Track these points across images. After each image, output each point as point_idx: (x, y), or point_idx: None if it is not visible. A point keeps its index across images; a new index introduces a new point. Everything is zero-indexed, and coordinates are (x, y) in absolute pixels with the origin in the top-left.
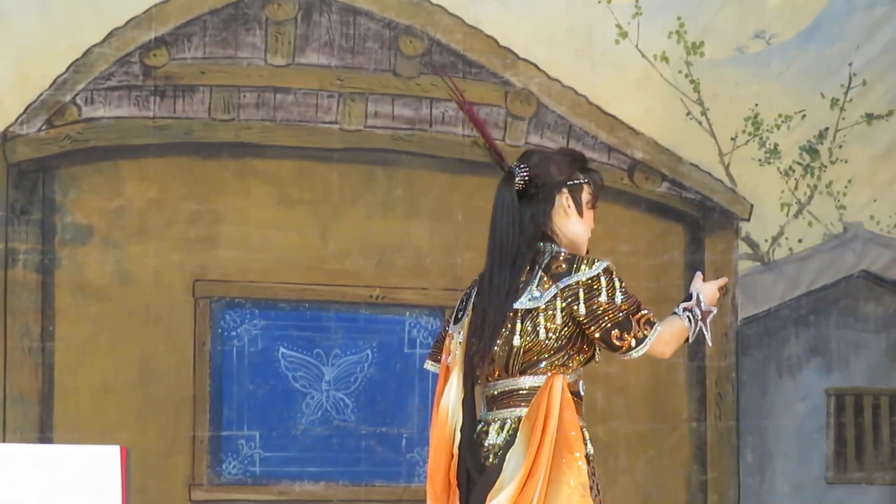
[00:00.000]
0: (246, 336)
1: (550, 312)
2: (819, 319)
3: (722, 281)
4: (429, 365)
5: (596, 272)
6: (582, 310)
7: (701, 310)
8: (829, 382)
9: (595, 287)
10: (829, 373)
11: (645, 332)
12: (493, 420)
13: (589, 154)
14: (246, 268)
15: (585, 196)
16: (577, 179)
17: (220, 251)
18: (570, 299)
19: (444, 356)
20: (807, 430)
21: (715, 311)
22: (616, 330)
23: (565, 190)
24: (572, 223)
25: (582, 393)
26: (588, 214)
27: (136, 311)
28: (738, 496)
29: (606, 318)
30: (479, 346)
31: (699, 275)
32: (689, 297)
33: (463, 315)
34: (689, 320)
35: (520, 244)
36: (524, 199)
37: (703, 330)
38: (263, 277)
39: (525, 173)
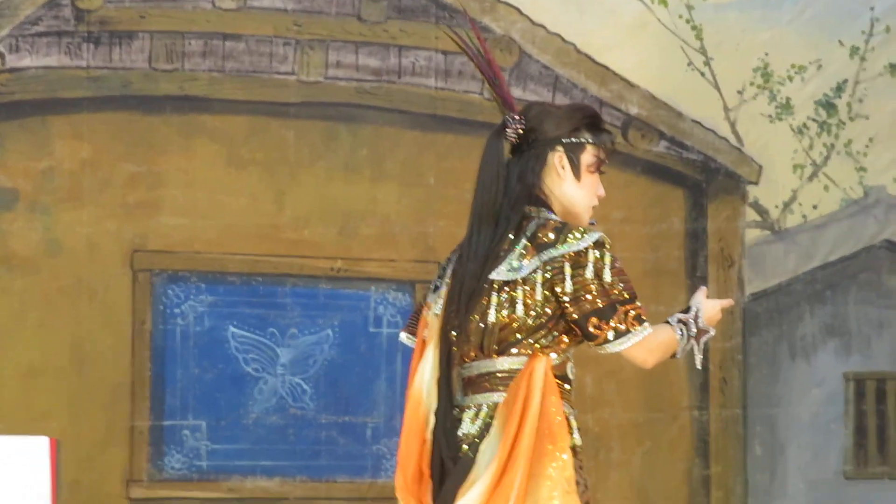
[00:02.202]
0: (191, 314)
1: (530, 287)
2: (836, 295)
3: (727, 302)
4: (404, 337)
5: (585, 245)
6: (568, 286)
7: (697, 327)
8: (847, 366)
9: (582, 261)
10: (847, 355)
11: (630, 327)
12: (469, 406)
13: None
14: (191, 237)
15: (587, 158)
16: (577, 138)
17: (161, 218)
18: (553, 274)
19: (421, 329)
20: (823, 419)
21: (712, 333)
22: (595, 317)
23: (560, 148)
24: (567, 186)
25: (570, 376)
26: (589, 178)
27: (68, 286)
28: (745, 493)
29: (588, 300)
30: (455, 320)
31: (703, 289)
32: (686, 310)
33: (442, 283)
34: (682, 334)
35: (503, 205)
36: (517, 155)
37: (694, 349)
38: (211, 248)
39: (519, 126)
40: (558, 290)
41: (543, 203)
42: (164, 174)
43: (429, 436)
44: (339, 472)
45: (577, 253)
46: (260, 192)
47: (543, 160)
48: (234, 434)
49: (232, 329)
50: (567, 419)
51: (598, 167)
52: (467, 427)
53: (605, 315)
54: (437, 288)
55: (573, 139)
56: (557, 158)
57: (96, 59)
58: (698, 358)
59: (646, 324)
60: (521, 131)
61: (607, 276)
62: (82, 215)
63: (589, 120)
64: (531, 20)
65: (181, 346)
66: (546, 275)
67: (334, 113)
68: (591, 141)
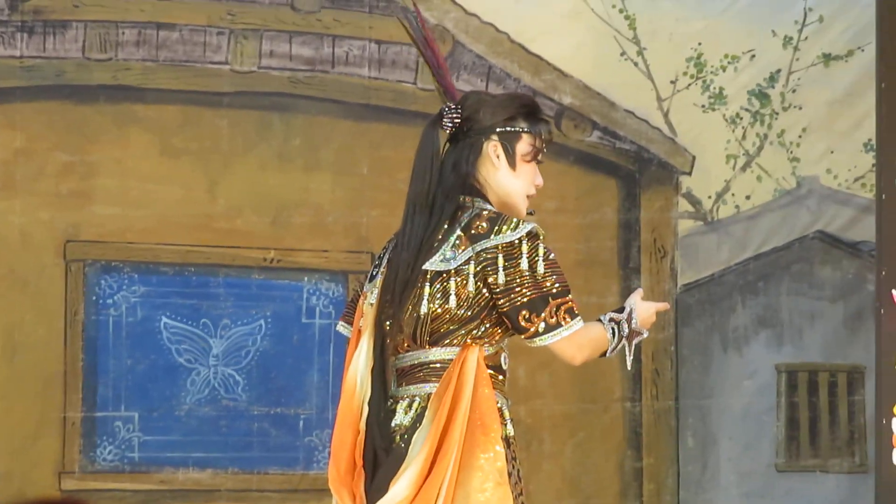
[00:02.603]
0: (123, 304)
1: (462, 277)
2: (769, 286)
3: (662, 306)
4: (341, 327)
5: (517, 236)
6: (501, 278)
7: (630, 327)
8: (779, 357)
9: (515, 254)
10: (779, 346)
11: (561, 320)
12: (402, 397)
13: None
14: (124, 227)
15: (523, 147)
16: (512, 127)
17: (94, 208)
18: (485, 265)
19: (357, 318)
20: (755, 410)
21: (645, 335)
22: (525, 310)
23: (494, 137)
24: (502, 176)
25: (504, 367)
26: (525, 168)
27: (0, 276)
28: (676, 484)
29: (519, 292)
30: (389, 310)
31: (639, 291)
32: (620, 310)
33: (378, 273)
34: (613, 333)
35: (437, 194)
36: (453, 144)
37: (626, 350)
38: (144, 238)
39: (455, 115)
40: (490, 281)
41: (479, 193)
42: (98, 164)
43: (362, 426)
44: (271, 464)
45: (510, 244)
46: (193, 181)
47: (478, 149)
48: (167, 425)
49: (164, 320)
50: (500, 410)
51: (535, 156)
52: (400, 418)
53: (535, 307)
54: (372, 277)
55: (508, 128)
56: (492, 147)
57: (30, 49)
58: (629, 359)
59: (578, 318)
60: (457, 120)
61: (540, 269)
62: (15, 205)
63: (526, 109)
64: (465, 9)
65: (114, 337)
66: (478, 266)
67: (268, 102)
68: (526, 130)
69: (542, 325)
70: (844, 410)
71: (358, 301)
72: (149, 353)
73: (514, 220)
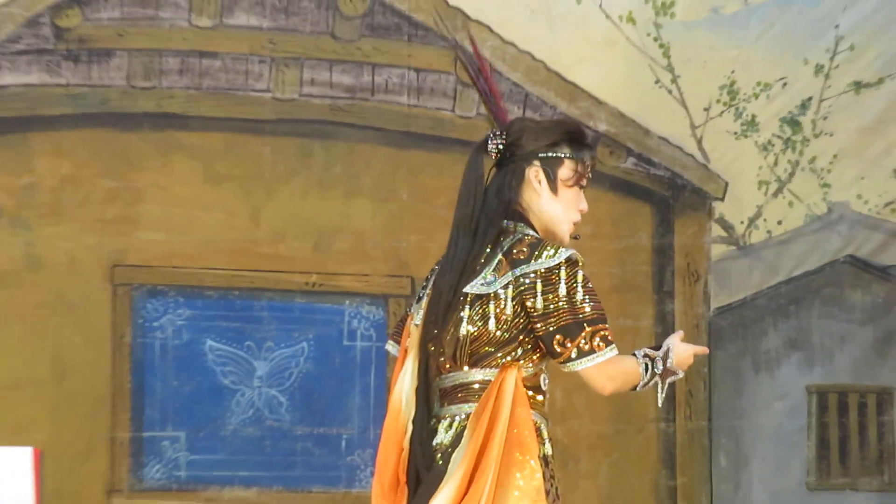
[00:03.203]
0: (170, 327)
1: (501, 301)
2: (800, 310)
3: (701, 349)
4: (389, 346)
5: (557, 262)
6: (539, 303)
7: (665, 366)
8: (810, 379)
9: (553, 280)
10: (810, 368)
11: (595, 347)
12: (444, 416)
13: None
14: (169, 252)
15: (565, 172)
16: (554, 152)
17: (140, 233)
18: (524, 289)
19: (404, 339)
20: (786, 431)
21: (680, 375)
22: (560, 335)
23: (536, 162)
24: (544, 201)
25: (544, 388)
26: (567, 193)
27: (49, 300)
28: (710, 503)
29: (556, 317)
30: (432, 332)
31: (680, 333)
32: (656, 348)
33: (424, 294)
34: (646, 369)
35: (481, 219)
36: (499, 170)
37: (658, 388)
38: (188, 262)
39: (499, 140)
40: (528, 305)
41: (522, 218)
42: (142, 190)
43: (406, 444)
44: (314, 483)
45: (549, 270)
46: (236, 207)
47: (521, 175)
48: (212, 445)
49: (209, 342)
50: (538, 429)
51: (578, 182)
52: (441, 437)
53: (570, 333)
54: (419, 299)
55: (550, 153)
56: (534, 173)
57: (76, 77)
58: (660, 397)
59: (612, 346)
60: (501, 146)
61: (578, 295)
62: (63, 230)
63: (569, 135)
64: (502, 38)
65: (160, 359)
66: (517, 290)
67: (309, 130)
68: (569, 155)
69: (575, 351)
70: (874, 431)
71: (406, 321)
72: (194, 375)
73: (555, 246)
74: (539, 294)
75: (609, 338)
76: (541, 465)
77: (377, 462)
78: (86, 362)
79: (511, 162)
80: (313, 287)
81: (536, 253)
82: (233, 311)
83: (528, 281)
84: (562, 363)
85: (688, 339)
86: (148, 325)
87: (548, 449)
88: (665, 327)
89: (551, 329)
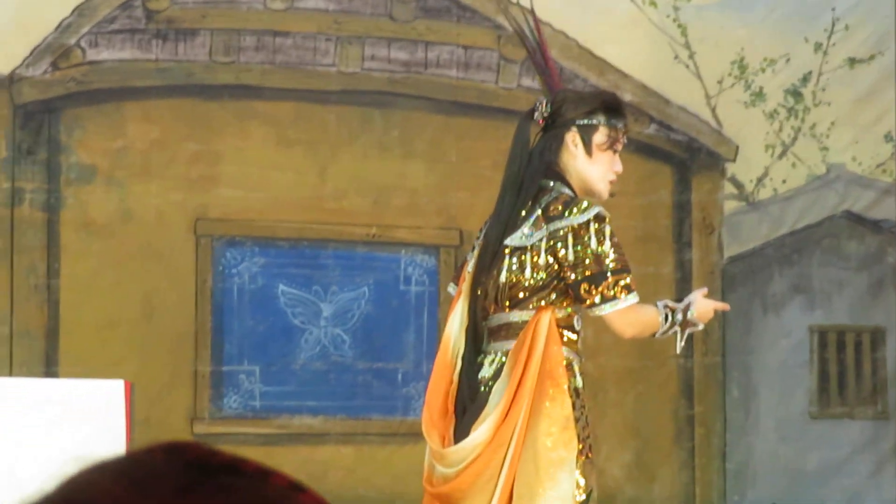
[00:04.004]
0: (246, 273)
1: (536, 252)
2: (802, 258)
3: (721, 305)
4: (450, 287)
5: (586, 218)
6: (570, 255)
7: (685, 318)
8: (812, 319)
9: (583, 234)
10: (812, 310)
11: (617, 294)
12: (490, 352)
13: None
14: (246, 207)
15: (599, 137)
16: (590, 119)
17: (220, 190)
18: (556, 242)
19: (461, 281)
20: (790, 365)
21: (700, 327)
22: (586, 283)
23: (574, 128)
24: (580, 163)
25: (578, 328)
26: (601, 156)
27: (139, 249)
28: (723, 430)
29: (584, 267)
30: (481, 278)
31: (704, 289)
32: (679, 300)
33: (477, 244)
34: (667, 318)
35: (524, 179)
36: (543, 135)
37: (677, 336)
38: (263, 216)
39: (544, 109)
40: (560, 256)
41: (560, 177)
42: (223, 152)
43: (455, 377)
44: (373, 412)
45: (580, 225)
46: (305, 168)
47: (560, 139)
48: (283, 378)
49: (281, 287)
50: (570, 364)
51: (611, 146)
52: (485, 370)
53: (596, 281)
54: (474, 248)
55: (586, 120)
56: (571, 137)
57: (164, 53)
58: (679, 345)
59: (633, 294)
60: (545, 114)
61: (605, 247)
62: (152, 188)
63: (605, 104)
64: (539, 19)
65: (238, 302)
66: (550, 242)
67: (369, 100)
68: (603, 122)
69: (599, 297)
70: (868, 366)
71: (463, 266)
72: (268, 316)
73: (586, 203)
74: (570, 246)
75: (631, 286)
76: (571, 396)
77: (427, 393)
78: (172, 304)
79: (553, 128)
80: (373, 238)
81: (569, 210)
82: (302, 259)
83: (560, 234)
84: (587, 308)
85: (703, 284)
86: (227, 271)
87: (578, 382)
88: (683, 274)
89: (579, 278)
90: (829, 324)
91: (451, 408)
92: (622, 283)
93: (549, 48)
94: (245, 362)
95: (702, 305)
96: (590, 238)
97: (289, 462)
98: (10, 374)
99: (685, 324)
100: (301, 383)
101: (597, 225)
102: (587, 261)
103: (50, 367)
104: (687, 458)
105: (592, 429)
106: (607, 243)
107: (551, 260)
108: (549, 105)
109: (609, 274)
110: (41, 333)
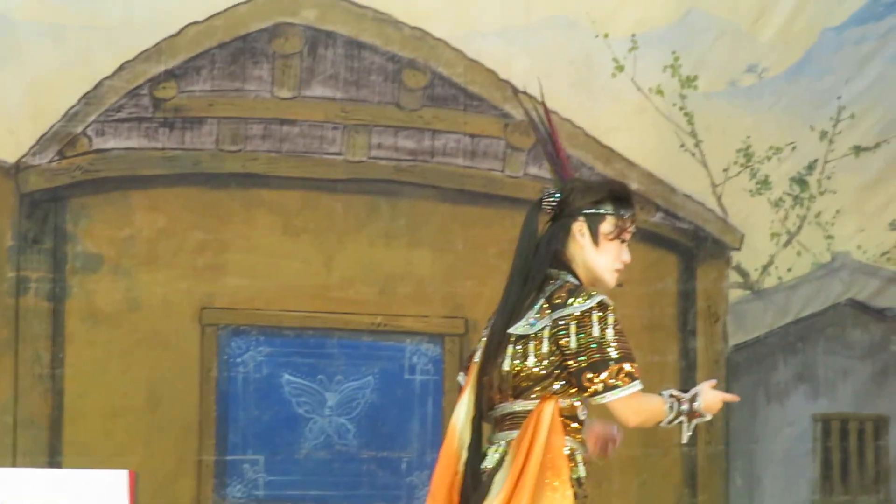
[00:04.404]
0: (251, 362)
1: (540, 341)
2: (807, 346)
3: (731, 397)
4: (459, 377)
5: (589, 305)
6: (573, 343)
7: (692, 408)
8: (815, 408)
9: (585, 322)
10: (815, 398)
11: (619, 382)
12: (494, 442)
13: None
14: (252, 296)
15: (606, 227)
16: (597, 209)
17: (226, 279)
18: (559, 331)
19: (469, 372)
20: (794, 454)
21: (707, 418)
22: (589, 371)
23: (581, 218)
24: (587, 253)
25: (582, 417)
26: (608, 245)
27: (145, 338)
28: None
29: (587, 355)
30: (487, 368)
31: (713, 381)
32: (685, 391)
33: (485, 334)
34: (672, 409)
35: (531, 268)
36: (551, 224)
37: (684, 426)
38: (269, 305)
39: (552, 199)
40: (562, 343)
41: (566, 267)
42: (229, 241)
43: (460, 468)
44: (377, 501)
45: (583, 313)
46: (311, 256)
47: (567, 229)
48: (288, 467)
49: (286, 376)
50: (573, 454)
51: (619, 235)
52: (489, 460)
53: (598, 369)
54: (482, 338)
55: (593, 210)
56: (578, 227)
57: (171, 142)
58: (685, 435)
59: (636, 381)
60: (553, 203)
61: (608, 335)
62: (158, 277)
63: (613, 194)
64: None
65: (242, 391)
66: (553, 331)
67: (376, 188)
68: (611, 212)
69: (602, 385)
70: (871, 454)
71: (472, 356)
72: (273, 405)
73: (590, 292)
74: (573, 334)
75: (634, 374)
76: (573, 486)
77: (432, 484)
78: (176, 393)
79: (560, 217)
80: (378, 327)
81: (573, 298)
82: (307, 348)
83: (563, 322)
84: (590, 396)
85: (707, 372)
86: (232, 360)
87: (581, 471)
88: (688, 362)
89: (582, 366)
90: (832, 412)
91: (455, 499)
92: (625, 370)
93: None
94: (249, 451)
95: (709, 396)
96: (592, 326)
97: None
98: (14, 464)
99: (692, 414)
100: (305, 472)
101: (600, 313)
102: (589, 349)
103: (54, 457)
104: None
105: None
106: (610, 331)
107: (554, 348)
108: (557, 194)
109: (611, 362)
110: (45, 423)
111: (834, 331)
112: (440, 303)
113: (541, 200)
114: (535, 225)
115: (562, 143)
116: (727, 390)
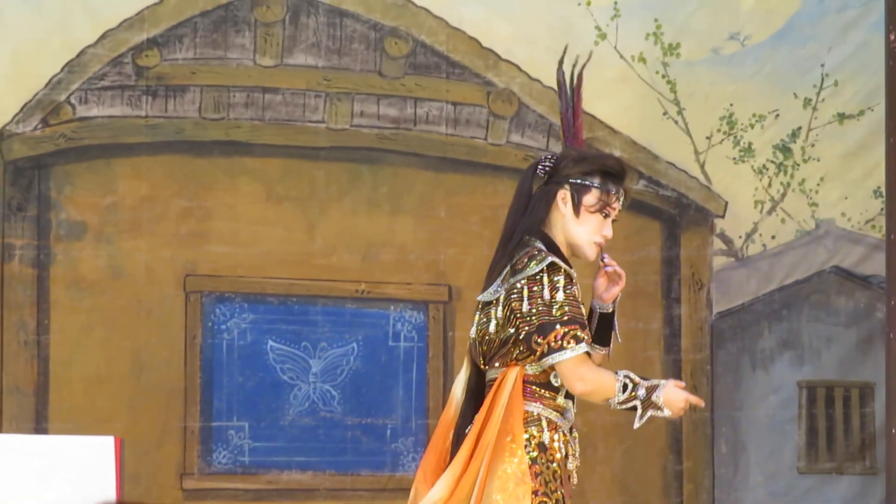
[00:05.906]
0: (235, 329)
1: (498, 307)
2: (791, 313)
3: (695, 399)
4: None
5: (539, 268)
6: (524, 307)
7: (649, 398)
8: (800, 375)
9: (536, 286)
10: (800, 365)
11: (565, 344)
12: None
13: None
14: (235, 263)
15: (589, 199)
16: (583, 180)
17: (210, 247)
18: (513, 295)
19: None
20: (779, 421)
21: (665, 414)
22: (536, 334)
23: (567, 186)
24: (567, 222)
25: (556, 384)
26: (590, 218)
27: (129, 305)
28: (712, 485)
29: (536, 317)
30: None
31: (681, 382)
32: (646, 378)
33: None
34: (623, 389)
35: (515, 231)
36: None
37: (637, 414)
38: (252, 272)
39: (547, 164)
40: (514, 307)
41: (542, 234)
42: (212, 209)
43: (451, 435)
44: (362, 467)
45: (534, 276)
46: (294, 224)
47: (552, 196)
48: (272, 434)
49: (270, 343)
50: (539, 418)
51: (601, 209)
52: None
53: (544, 331)
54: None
55: (580, 180)
56: (562, 195)
57: (154, 110)
58: (637, 422)
59: (581, 344)
60: (547, 168)
61: (556, 297)
62: (141, 244)
63: (605, 168)
64: (529, 75)
65: (227, 358)
66: (508, 295)
67: (358, 156)
68: (597, 185)
69: (547, 347)
70: (857, 421)
71: None
72: (257, 372)
73: (543, 255)
74: (525, 298)
75: (580, 336)
76: (535, 450)
77: (427, 448)
78: (161, 360)
79: (549, 183)
80: (362, 294)
81: (528, 262)
82: (291, 315)
83: (517, 287)
84: (538, 359)
85: (692, 340)
86: (216, 327)
87: (545, 437)
88: (672, 330)
89: (531, 329)
90: (817, 379)
91: (443, 465)
92: (571, 332)
93: (539, 104)
94: (234, 418)
95: (672, 394)
96: (542, 289)
97: None
98: (0, 430)
99: (648, 403)
100: (290, 439)
101: (551, 275)
102: (539, 312)
103: (40, 424)
104: None
105: (580, 484)
106: (560, 294)
107: (509, 314)
108: (551, 160)
109: (559, 324)
110: (31, 389)
111: (818, 298)
112: (423, 270)
113: (536, 164)
114: (528, 188)
115: (581, 116)
116: (712, 358)
